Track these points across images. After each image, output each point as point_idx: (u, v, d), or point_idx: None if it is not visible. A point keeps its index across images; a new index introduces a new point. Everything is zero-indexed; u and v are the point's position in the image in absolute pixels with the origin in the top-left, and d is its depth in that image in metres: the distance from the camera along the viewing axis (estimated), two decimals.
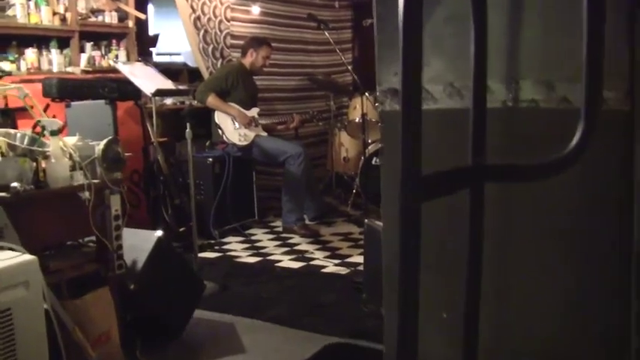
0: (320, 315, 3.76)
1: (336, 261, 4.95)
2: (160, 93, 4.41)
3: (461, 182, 1.36)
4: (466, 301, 1.47)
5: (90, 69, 5.50)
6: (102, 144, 3.00)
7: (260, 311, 3.83)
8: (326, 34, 6.25)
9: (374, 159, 6.52)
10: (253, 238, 5.78)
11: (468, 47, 1.42)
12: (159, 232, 3.32)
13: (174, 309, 3.40)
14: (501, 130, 1.55)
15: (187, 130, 4.08)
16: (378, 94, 1.72)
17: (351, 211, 6.61)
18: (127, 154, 3.14)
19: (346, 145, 7.12)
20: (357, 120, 6.70)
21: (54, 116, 3.69)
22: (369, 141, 6.62)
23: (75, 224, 3.00)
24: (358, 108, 6.66)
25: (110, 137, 3.04)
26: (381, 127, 1.74)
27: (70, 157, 2.93)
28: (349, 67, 6.82)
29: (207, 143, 6.17)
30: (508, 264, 1.65)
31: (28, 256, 2.34)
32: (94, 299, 2.93)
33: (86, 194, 2.94)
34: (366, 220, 3.80)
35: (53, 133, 2.89)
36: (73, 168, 2.92)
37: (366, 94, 6.61)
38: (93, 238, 3.06)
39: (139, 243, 3.25)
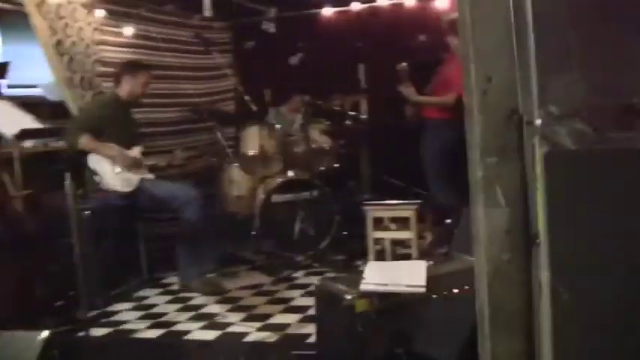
0: None
1: (257, 324, 4.10)
2: (27, 134, 3.40)
3: None
4: None
5: None
6: None
7: None
8: (215, 57, 5.45)
9: (273, 196, 5.77)
10: (147, 302, 4.82)
11: None
12: (44, 333, 2.35)
13: None
14: None
15: (67, 180, 3.11)
16: (538, 121, 0.97)
17: (253, 257, 5.79)
18: None
19: (238, 181, 6.33)
20: (251, 153, 5.95)
21: None
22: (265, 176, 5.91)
23: None
24: (253, 140, 5.91)
25: None
26: (547, 175, 1.00)
27: None
28: (243, 93, 6.03)
29: (80, 192, 5.11)
30: None
31: None
32: None
33: None
34: (316, 282, 3.01)
35: None
36: None
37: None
38: None
39: (14, 353, 2.27)
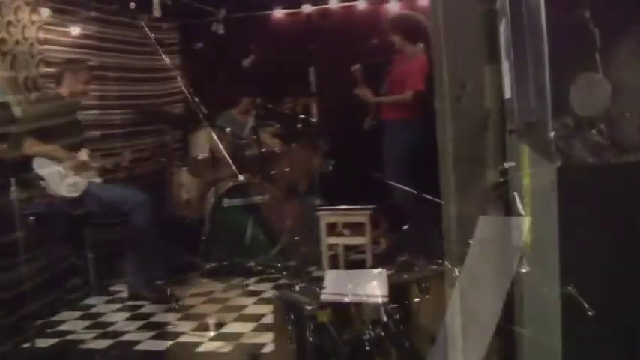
0: None
1: (210, 333, 4.00)
2: None
3: None
4: None
5: None
6: None
7: None
8: (164, 58, 5.32)
9: (224, 200, 5.67)
10: (94, 311, 4.67)
11: None
12: None
13: None
14: None
15: (12, 187, 2.97)
16: (551, 134, 0.91)
17: (203, 263, 5.66)
18: None
19: (187, 185, 6.23)
20: (200, 157, 5.86)
21: None
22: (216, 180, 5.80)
23: None
24: (203, 143, 5.82)
25: None
26: (559, 189, 0.95)
27: None
28: (193, 95, 5.88)
29: (25, 197, 4.91)
30: None
31: None
32: None
33: None
34: (272, 290, 2.94)
35: None
36: None
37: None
38: None
39: None
